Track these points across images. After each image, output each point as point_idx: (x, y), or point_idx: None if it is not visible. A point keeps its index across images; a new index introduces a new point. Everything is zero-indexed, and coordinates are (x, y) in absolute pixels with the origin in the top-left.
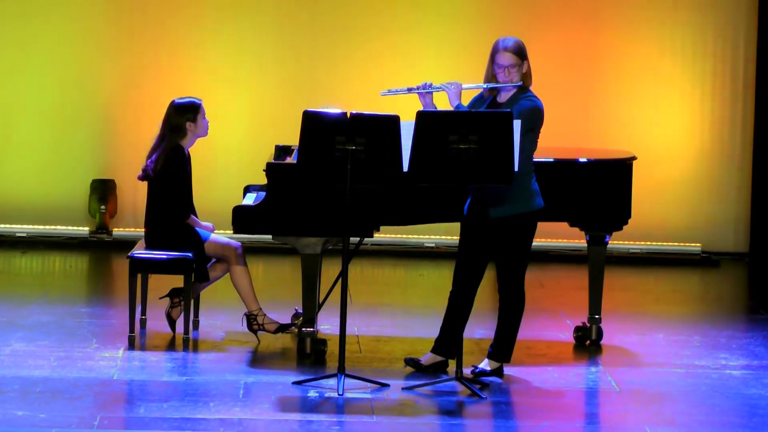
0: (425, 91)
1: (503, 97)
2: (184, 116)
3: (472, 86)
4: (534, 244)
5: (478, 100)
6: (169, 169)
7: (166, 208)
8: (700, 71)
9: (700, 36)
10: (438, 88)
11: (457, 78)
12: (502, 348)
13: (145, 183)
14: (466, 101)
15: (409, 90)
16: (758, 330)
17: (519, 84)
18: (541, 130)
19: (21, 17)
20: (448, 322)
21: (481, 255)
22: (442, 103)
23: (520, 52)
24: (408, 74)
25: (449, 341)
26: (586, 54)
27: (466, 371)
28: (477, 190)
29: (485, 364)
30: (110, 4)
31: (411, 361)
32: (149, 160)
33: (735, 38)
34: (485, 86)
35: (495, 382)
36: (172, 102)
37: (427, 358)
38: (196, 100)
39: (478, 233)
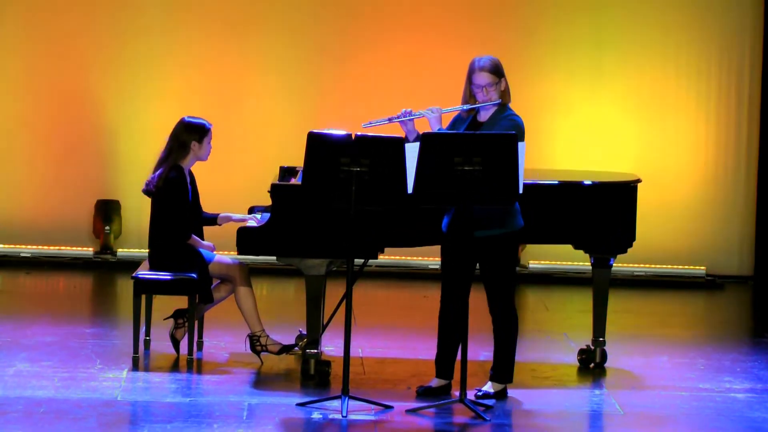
0: (406, 119)
1: (483, 116)
2: (191, 135)
3: (452, 109)
4: (538, 266)
5: (458, 120)
6: (168, 191)
7: (167, 228)
8: (704, 94)
9: (705, 58)
10: (418, 114)
11: (447, 97)
12: (502, 369)
13: (149, 203)
14: (447, 123)
15: (390, 119)
16: (762, 353)
17: (498, 102)
18: (545, 153)
19: (25, 38)
20: (443, 343)
21: (464, 273)
22: (424, 128)
23: (497, 71)
24: (413, 93)
25: (446, 362)
26: (590, 76)
27: (470, 393)
28: (459, 209)
29: (488, 387)
30: (115, 25)
31: (422, 389)
32: (153, 175)
33: (740, 60)
34: (465, 107)
35: (498, 404)
36: (182, 119)
37: (435, 382)
38: (206, 123)
39: (461, 252)
